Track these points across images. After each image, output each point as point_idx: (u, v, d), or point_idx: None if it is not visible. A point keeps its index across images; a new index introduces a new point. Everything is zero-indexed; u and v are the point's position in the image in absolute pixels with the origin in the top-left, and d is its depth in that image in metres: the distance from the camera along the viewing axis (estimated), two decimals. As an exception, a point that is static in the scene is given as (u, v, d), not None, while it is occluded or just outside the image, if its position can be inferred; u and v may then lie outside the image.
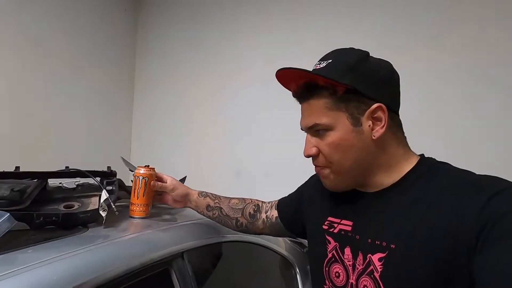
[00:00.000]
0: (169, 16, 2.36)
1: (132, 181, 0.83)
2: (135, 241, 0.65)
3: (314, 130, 0.58)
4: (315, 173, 0.71)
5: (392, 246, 0.51)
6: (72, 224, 0.64)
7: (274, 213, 0.80)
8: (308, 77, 0.57)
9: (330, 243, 0.61)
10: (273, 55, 1.86)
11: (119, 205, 0.84)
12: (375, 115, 0.55)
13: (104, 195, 0.66)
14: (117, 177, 0.84)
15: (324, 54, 0.60)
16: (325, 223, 0.63)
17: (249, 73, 1.95)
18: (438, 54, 1.40)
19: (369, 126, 0.55)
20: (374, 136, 0.55)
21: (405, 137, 0.59)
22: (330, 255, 0.60)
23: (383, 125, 0.55)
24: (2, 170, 0.66)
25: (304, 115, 0.59)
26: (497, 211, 0.43)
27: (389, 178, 0.57)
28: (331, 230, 0.61)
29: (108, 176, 0.79)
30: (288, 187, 1.76)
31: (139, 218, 0.77)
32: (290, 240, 1.31)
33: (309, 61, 1.80)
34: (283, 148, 1.78)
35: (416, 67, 1.43)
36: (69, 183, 0.82)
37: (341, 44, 1.48)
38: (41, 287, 0.46)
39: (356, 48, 0.59)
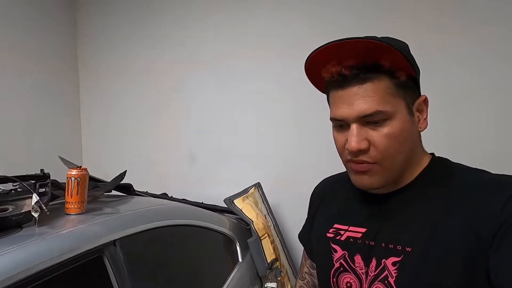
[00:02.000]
0: (110, 2, 2.28)
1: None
2: (68, 235, 0.73)
3: (367, 120, 0.49)
4: (317, 183, 0.71)
5: (408, 249, 0.49)
6: (5, 227, 0.70)
7: (308, 262, 0.72)
8: (374, 55, 0.48)
9: (336, 251, 0.57)
10: (223, 37, 1.89)
11: (57, 203, 0.91)
12: (420, 107, 0.53)
13: (35, 197, 0.73)
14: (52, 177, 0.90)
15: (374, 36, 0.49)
16: (330, 231, 0.60)
17: (198, 56, 1.97)
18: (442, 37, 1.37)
19: (418, 117, 0.53)
20: (420, 128, 0.53)
21: None
22: (337, 265, 0.57)
23: (426, 117, 0.53)
24: None
25: (354, 101, 0.49)
26: None
27: (409, 176, 0.54)
28: (337, 237, 0.58)
29: (40, 178, 0.85)
30: (240, 169, 1.88)
31: (75, 214, 0.85)
32: (235, 218, 1.45)
33: (260, 42, 1.84)
34: (236, 130, 1.87)
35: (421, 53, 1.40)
36: (6, 186, 0.87)
37: (296, 25, 1.51)
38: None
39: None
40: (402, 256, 0.49)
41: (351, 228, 0.57)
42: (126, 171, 1.17)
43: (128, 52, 2.23)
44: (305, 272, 0.73)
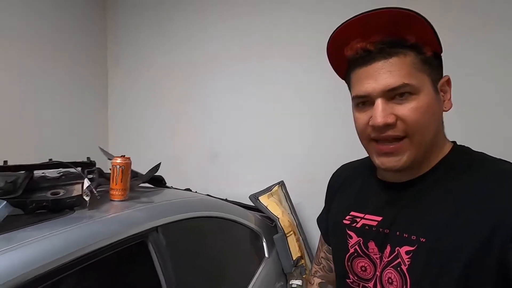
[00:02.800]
0: (140, 0, 2.36)
1: (110, 169, 0.94)
2: (116, 219, 0.77)
3: (393, 94, 0.48)
4: (335, 170, 0.72)
5: (422, 239, 0.48)
6: (60, 208, 0.75)
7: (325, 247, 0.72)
8: (399, 29, 0.48)
9: (351, 238, 0.58)
10: (247, 39, 1.92)
11: (100, 190, 0.96)
12: (443, 87, 0.52)
13: (86, 182, 0.77)
14: (96, 165, 0.95)
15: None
16: (347, 218, 0.60)
17: (221, 56, 2.02)
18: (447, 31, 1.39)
19: (442, 96, 0.52)
20: (445, 107, 0.52)
21: None
22: (352, 250, 0.58)
23: (449, 98, 0.53)
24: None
25: (379, 76, 0.48)
26: None
27: (431, 161, 0.53)
28: (353, 225, 0.59)
29: (88, 166, 0.89)
30: (262, 168, 1.90)
31: (118, 201, 0.89)
32: (260, 215, 1.47)
33: (282, 43, 1.85)
34: (258, 129, 1.90)
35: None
36: (51, 172, 0.93)
37: (318, 26, 1.49)
38: (41, 257, 0.58)
39: None
40: (416, 246, 0.49)
41: (367, 216, 0.57)
42: (160, 163, 1.21)
43: (154, 51, 2.30)
44: (321, 257, 0.73)
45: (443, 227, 0.47)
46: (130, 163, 0.93)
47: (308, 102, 1.75)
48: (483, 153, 0.53)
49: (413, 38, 0.49)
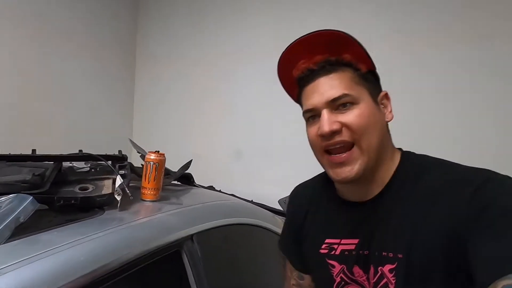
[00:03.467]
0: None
1: (142, 165, 0.86)
2: (148, 224, 0.69)
3: (336, 104, 0.53)
4: (291, 194, 0.71)
5: (400, 256, 0.49)
6: (89, 207, 0.67)
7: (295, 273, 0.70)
8: (337, 49, 0.55)
9: (334, 266, 0.57)
10: (275, 33, 1.83)
11: (130, 185, 0.88)
12: (383, 101, 0.57)
13: (119, 180, 0.69)
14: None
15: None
16: (323, 247, 0.59)
17: (252, 52, 1.93)
18: (449, 42, 1.38)
19: (382, 107, 0.57)
20: (387, 118, 0.56)
21: None
22: (338, 279, 0.57)
23: (391, 111, 0.57)
24: (19, 153, 0.69)
25: (322, 89, 0.54)
26: (480, 203, 0.44)
27: (386, 174, 0.55)
28: (332, 253, 0.58)
29: (119, 160, 0.82)
30: (290, 169, 1.81)
31: (150, 201, 0.81)
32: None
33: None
34: (284, 128, 1.80)
35: (427, 53, 1.42)
36: (79, 164, 0.86)
37: (350, 24, 1.50)
38: (69, 267, 0.50)
39: None
40: (396, 263, 0.50)
41: (343, 241, 0.57)
42: (191, 160, 1.12)
43: (182, 44, 2.23)
44: (293, 285, 0.70)
45: (411, 240, 0.49)
46: (165, 160, 0.85)
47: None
48: (426, 156, 0.56)
49: (348, 57, 0.55)
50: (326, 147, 0.54)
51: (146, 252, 0.62)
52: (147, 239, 0.64)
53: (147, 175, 0.80)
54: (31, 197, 0.59)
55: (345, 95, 0.52)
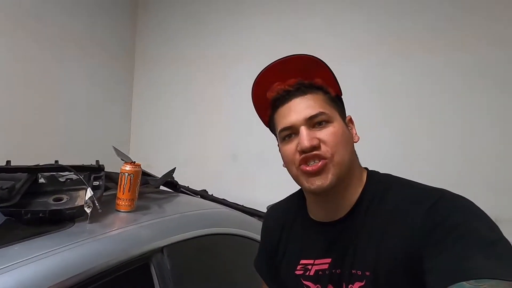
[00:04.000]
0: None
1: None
2: (118, 237, 0.69)
3: (313, 122, 0.56)
4: (265, 216, 0.75)
5: (367, 273, 0.52)
6: (59, 219, 0.68)
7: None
8: (309, 73, 0.59)
9: (309, 287, 0.59)
10: (272, 36, 1.82)
11: (109, 194, 0.89)
12: (350, 124, 0.62)
13: (89, 192, 0.70)
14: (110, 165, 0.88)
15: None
16: (298, 268, 0.61)
17: (249, 55, 1.92)
18: (441, 46, 1.36)
19: (350, 130, 0.60)
20: (354, 139, 0.60)
21: None
22: None
23: (356, 133, 0.61)
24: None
25: (298, 108, 0.57)
26: (433, 221, 0.47)
27: (354, 193, 0.57)
28: (307, 273, 0.59)
29: (95, 170, 0.82)
30: (285, 174, 1.80)
31: (125, 212, 0.81)
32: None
33: (313, 45, 1.78)
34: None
35: (420, 57, 1.40)
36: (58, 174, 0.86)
37: (345, 31, 1.49)
38: (28, 284, 0.50)
39: None
40: (364, 281, 0.52)
41: (317, 261, 0.58)
42: (175, 168, 1.13)
43: (180, 45, 2.23)
44: None
45: (376, 257, 0.51)
46: (140, 171, 0.85)
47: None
48: (390, 175, 0.59)
49: (320, 81, 0.59)
50: (303, 160, 0.56)
51: (112, 266, 0.63)
52: (114, 253, 0.64)
53: (122, 186, 0.81)
54: (-2, 211, 0.60)
55: (321, 113, 0.56)
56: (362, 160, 0.61)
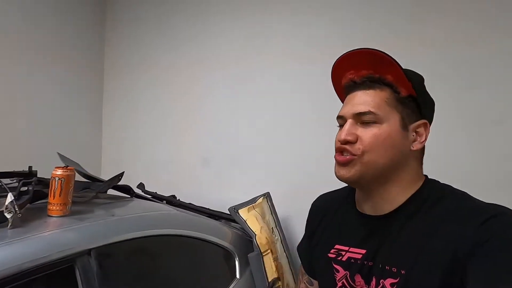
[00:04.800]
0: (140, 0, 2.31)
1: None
2: (38, 240, 0.68)
3: (360, 119, 0.57)
4: (314, 200, 0.76)
5: (402, 271, 0.52)
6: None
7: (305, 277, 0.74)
8: (380, 68, 0.58)
9: (338, 271, 0.61)
10: (240, 41, 1.84)
11: (44, 202, 0.88)
12: (419, 129, 0.59)
13: (10, 197, 0.69)
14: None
15: None
16: (331, 251, 0.63)
17: (214, 60, 1.94)
18: (414, 47, 1.35)
19: (413, 136, 0.58)
20: (412, 147, 0.58)
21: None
22: (340, 284, 0.61)
23: (423, 141, 0.59)
24: None
25: (356, 102, 0.58)
26: (488, 232, 0.47)
27: (400, 196, 0.58)
28: (339, 258, 0.61)
29: (26, 176, 0.81)
30: (251, 176, 1.82)
31: (56, 216, 0.81)
32: (239, 228, 1.36)
33: (283, 47, 1.80)
34: (249, 136, 1.81)
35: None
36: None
37: (318, 32, 1.50)
38: None
39: None
40: (398, 278, 0.53)
41: (351, 249, 0.60)
42: (123, 172, 1.12)
43: (150, 53, 2.24)
44: None
45: (416, 258, 0.52)
46: (73, 175, 0.84)
47: (303, 110, 1.64)
48: (449, 186, 0.58)
49: (390, 78, 0.57)
50: (338, 149, 0.59)
51: (26, 269, 0.62)
52: (29, 256, 0.63)
53: (53, 191, 0.80)
54: None
55: (370, 112, 0.56)
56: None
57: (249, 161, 1.82)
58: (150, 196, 1.53)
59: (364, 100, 0.57)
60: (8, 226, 0.69)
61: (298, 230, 1.66)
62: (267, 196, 1.61)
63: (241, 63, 1.85)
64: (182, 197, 1.65)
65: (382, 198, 0.58)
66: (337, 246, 0.62)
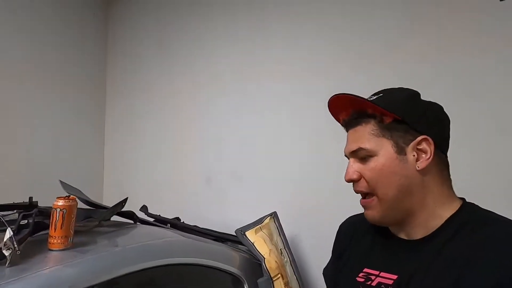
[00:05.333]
0: (140, 23, 2.34)
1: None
2: (38, 278, 0.64)
3: (357, 156, 0.59)
4: (342, 222, 0.75)
5: None
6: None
7: None
8: (358, 105, 0.60)
9: None
10: (242, 65, 1.85)
11: (45, 233, 0.84)
12: (420, 147, 0.57)
13: (8, 233, 0.66)
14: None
15: (377, 92, 0.63)
16: (360, 275, 0.60)
17: (220, 81, 1.94)
18: (397, 59, 1.38)
19: (414, 156, 0.56)
20: (418, 167, 0.56)
21: (451, 179, 0.60)
22: None
23: (429, 158, 0.56)
24: None
25: (349, 141, 0.61)
26: None
27: (432, 221, 0.56)
28: (368, 283, 0.59)
29: (26, 208, 0.78)
30: (257, 195, 1.79)
31: (57, 250, 0.77)
32: (247, 251, 1.31)
33: (284, 60, 1.80)
34: (253, 153, 1.78)
35: (375, 72, 1.42)
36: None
37: (307, 51, 1.52)
38: None
39: (406, 87, 0.63)
40: None
41: (382, 274, 0.57)
42: (127, 198, 1.09)
43: (152, 75, 2.25)
44: None
45: (454, 283, 0.48)
46: (75, 205, 0.81)
47: (308, 126, 1.62)
48: (490, 211, 0.55)
49: (370, 111, 0.59)
50: (355, 191, 0.61)
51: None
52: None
53: (54, 223, 0.77)
54: None
55: (360, 149, 0.58)
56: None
57: (253, 179, 1.79)
58: (153, 220, 1.49)
59: (353, 138, 0.60)
60: (6, 264, 0.65)
61: (307, 250, 1.61)
62: (274, 216, 1.56)
63: (241, 79, 1.85)
64: (185, 218, 1.62)
65: (413, 225, 0.57)
66: (366, 270, 0.60)
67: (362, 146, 0.57)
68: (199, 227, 1.54)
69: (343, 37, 1.53)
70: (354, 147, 0.59)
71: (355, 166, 0.59)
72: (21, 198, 0.91)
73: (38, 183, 1.82)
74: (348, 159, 0.63)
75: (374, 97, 0.60)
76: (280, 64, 1.72)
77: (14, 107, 1.84)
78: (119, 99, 2.41)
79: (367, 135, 0.58)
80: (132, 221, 1.22)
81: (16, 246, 0.65)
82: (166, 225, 1.45)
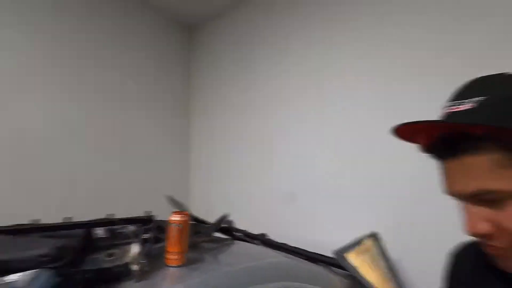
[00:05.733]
0: (218, 47, 2.47)
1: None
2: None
3: (480, 199, 0.41)
4: (453, 250, 0.62)
5: None
6: (106, 279, 0.64)
7: None
8: (454, 126, 0.41)
9: None
10: (326, 82, 1.80)
11: (159, 247, 0.84)
12: None
13: (136, 248, 0.66)
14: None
15: (459, 89, 0.43)
16: None
17: (298, 95, 1.92)
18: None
19: None
20: None
21: None
22: None
23: None
24: (51, 223, 0.72)
25: (456, 177, 0.43)
26: None
27: None
28: None
29: (144, 222, 0.80)
30: (349, 212, 1.65)
31: (174, 267, 0.75)
32: (345, 273, 1.18)
33: (361, 75, 1.70)
34: (342, 167, 1.68)
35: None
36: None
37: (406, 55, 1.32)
38: None
39: (501, 72, 0.43)
40: None
41: None
42: (227, 214, 1.06)
43: (231, 93, 2.33)
44: None
45: None
46: (189, 220, 0.80)
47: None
48: None
49: (479, 131, 0.39)
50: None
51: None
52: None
53: (171, 238, 0.76)
54: (49, 272, 0.59)
55: (482, 191, 0.40)
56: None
57: (342, 196, 1.65)
58: (242, 234, 1.45)
59: (463, 174, 0.42)
60: (134, 280, 0.65)
61: (411, 276, 1.38)
62: (375, 237, 1.39)
63: (322, 95, 1.79)
64: (270, 234, 1.55)
65: None
66: None
67: (486, 187, 0.39)
68: (288, 245, 1.45)
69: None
70: (468, 188, 0.40)
71: (481, 212, 0.41)
72: (111, 211, 0.94)
73: (130, 196, 1.97)
74: (457, 199, 0.45)
75: (469, 103, 0.39)
76: (373, 75, 1.59)
77: (118, 128, 2.06)
78: (203, 118, 2.53)
79: (489, 169, 0.39)
80: (229, 236, 1.20)
81: (144, 261, 0.65)
82: (253, 241, 1.40)
